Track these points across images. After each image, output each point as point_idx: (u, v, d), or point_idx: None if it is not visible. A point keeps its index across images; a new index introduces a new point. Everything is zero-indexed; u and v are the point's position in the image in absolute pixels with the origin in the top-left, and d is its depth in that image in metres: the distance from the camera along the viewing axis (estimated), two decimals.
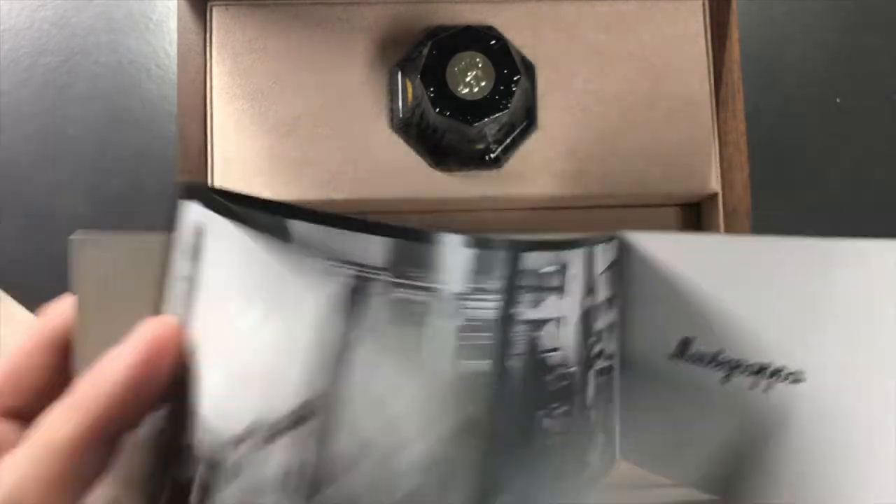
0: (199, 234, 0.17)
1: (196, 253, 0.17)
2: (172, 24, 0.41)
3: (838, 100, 0.43)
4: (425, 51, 0.30)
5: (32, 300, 0.39)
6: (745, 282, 0.23)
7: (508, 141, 0.33)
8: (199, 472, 0.17)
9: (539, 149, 0.33)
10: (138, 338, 0.17)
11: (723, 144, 0.34)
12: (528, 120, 0.33)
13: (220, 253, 0.16)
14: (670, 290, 0.24)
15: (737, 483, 0.23)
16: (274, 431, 0.16)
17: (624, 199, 0.34)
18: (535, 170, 0.33)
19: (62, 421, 0.16)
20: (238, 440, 0.16)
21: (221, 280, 0.17)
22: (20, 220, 0.40)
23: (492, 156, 0.32)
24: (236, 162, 0.32)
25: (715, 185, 0.33)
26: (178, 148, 0.32)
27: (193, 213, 0.17)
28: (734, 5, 0.34)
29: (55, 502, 0.16)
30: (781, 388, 0.22)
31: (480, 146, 0.32)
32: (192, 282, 0.17)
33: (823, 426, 0.21)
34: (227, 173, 0.32)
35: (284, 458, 0.16)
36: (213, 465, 0.17)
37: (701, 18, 0.34)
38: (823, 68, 0.43)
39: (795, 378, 0.22)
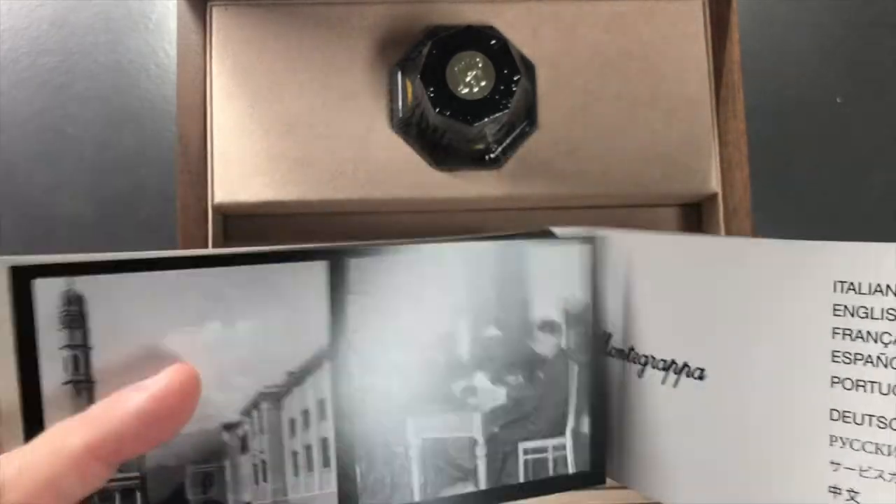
0: (70, 303, 0.18)
1: (74, 321, 0.18)
2: (172, 24, 0.41)
3: (838, 100, 0.43)
4: (425, 51, 0.30)
5: None
6: (654, 279, 0.23)
7: (508, 141, 0.33)
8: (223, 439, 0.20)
9: (539, 149, 0.33)
10: (164, 377, 0.18)
11: (723, 144, 0.34)
12: (528, 120, 0.33)
13: (123, 305, 0.18)
14: (600, 284, 0.24)
15: (647, 474, 0.24)
16: (284, 389, 0.20)
17: (624, 199, 0.34)
18: (535, 170, 0.33)
19: (71, 432, 0.17)
20: (252, 407, 0.20)
21: (126, 327, 0.19)
22: (19, 219, 0.40)
23: (492, 156, 0.32)
24: (236, 162, 0.32)
25: (715, 185, 0.33)
26: (178, 148, 0.31)
27: (56, 286, 0.18)
28: (734, 5, 0.34)
29: (42, 500, 0.16)
30: (688, 383, 0.22)
31: (480, 146, 0.32)
32: (81, 348, 0.18)
33: (725, 422, 0.21)
34: (226, 173, 0.32)
35: (301, 403, 0.20)
36: (233, 428, 0.20)
37: (701, 18, 0.34)
38: (823, 68, 0.43)
39: (699, 374, 0.22)
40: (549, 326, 0.23)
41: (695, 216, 0.35)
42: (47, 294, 0.18)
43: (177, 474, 0.19)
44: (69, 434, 0.17)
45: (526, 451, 0.23)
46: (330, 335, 0.20)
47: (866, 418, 0.18)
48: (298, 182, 0.32)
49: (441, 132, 0.31)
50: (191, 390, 0.18)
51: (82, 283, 0.18)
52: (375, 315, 0.21)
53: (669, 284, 0.23)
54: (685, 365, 0.22)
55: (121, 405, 0.17)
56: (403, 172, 0.32)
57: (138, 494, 0.19)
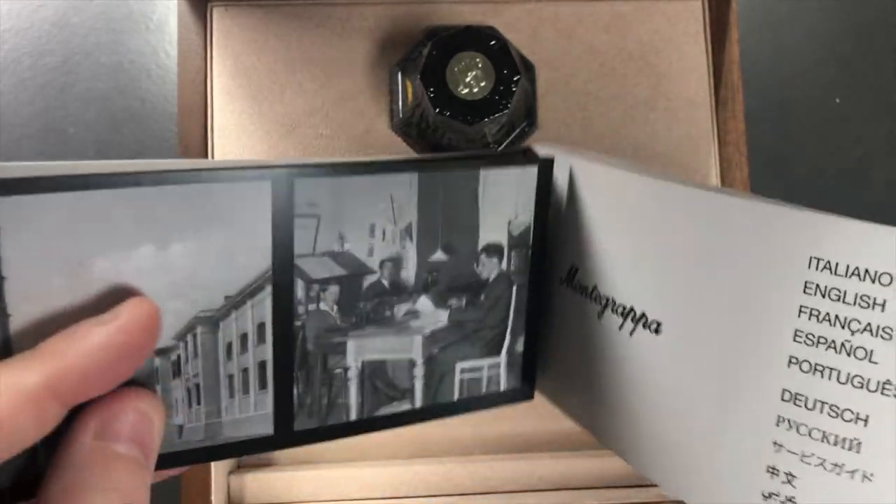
0: None
1: None
2: (172, 24, 0.41)
3: (838, 100, 0.43)
4: (425, 51, 0.30)
5: None
6: (628, 221, 0.22)
7: (508, 141, 0.33)
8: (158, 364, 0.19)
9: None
10: (124, 309, 0.17)
11: (722, 144, 0.34)
12: (528, 120, 0.33)
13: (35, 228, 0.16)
14: (573, 215, 0.24)
15: (603, 421, 0.23)
16: (221, 313, 0.19)
17: None
18: None
19: (27, 367, 0.15)
20: (186, 331, 0.19)
21: (47, 254, 0.17)
22: None
23: None
24: None
25: (715, 185, 0.33)
26: (179, 148, 0.32)
27: None
28: (734, 5, 0.34)
29: None
30: (644, 334, 0.22)
31: (480, 146, 0.32)
32: None
33: (674, 382, 0.21)
34: None
35: (240, 327, 0.19)
36: (166, 353, 0.19)
37: (701, 18, 0.34)
38: (823, 68, 0.44)
39: (656, 328, 0.21)
40: (493, 249, 0.23)
41: None
42: None
43: None
44: (24, 370, 0.15)
45: (462, 371, 0.24)
46: (273, 258, 0.19)
47: (818, 404, 0.18)
48: None
49: (441, 132, 0.31)
50: (153, 323, 0.17)
51: None
52: (321, 238, 0.20)
53: (637, 228, 0.22)
54: (643, 315, 0.21)
55: (82, 339, 0.16)
56: None
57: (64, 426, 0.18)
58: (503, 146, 0.33)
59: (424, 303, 0.22)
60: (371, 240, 0.21)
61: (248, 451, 0.21)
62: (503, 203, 0.23)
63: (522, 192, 0.23)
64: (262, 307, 0.20)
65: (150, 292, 0.18)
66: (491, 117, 0.29)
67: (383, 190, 0.21)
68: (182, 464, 0.20)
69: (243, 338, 0.20)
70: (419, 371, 0.23)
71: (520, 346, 0.24)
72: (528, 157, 0.24)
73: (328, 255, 0.20)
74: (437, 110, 0.29)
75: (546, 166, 0.23)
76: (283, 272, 0.20)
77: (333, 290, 0.21)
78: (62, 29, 0.41)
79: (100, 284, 0.17)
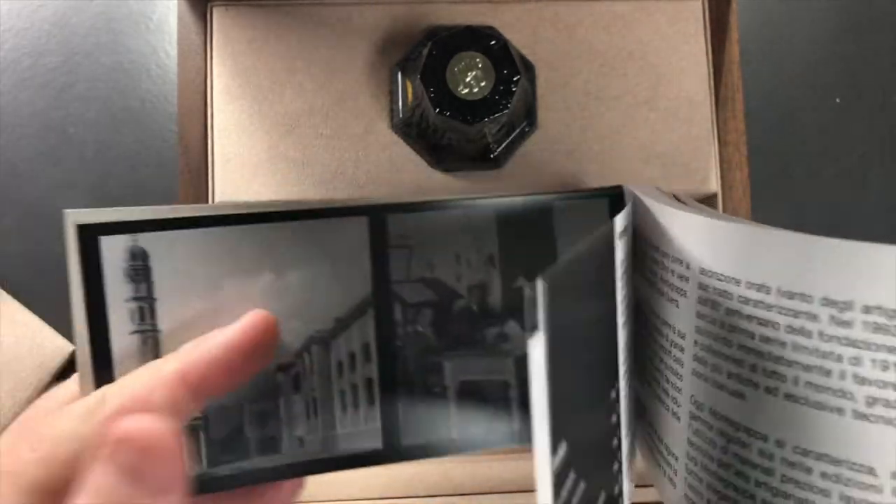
0: (135, 258, 0.20)
1: (139, 275, 0.20)
2: (172, 24, 0.41)
3: (838, 100, 0.43)
4: (425, 51, 0.30)
5: (32, 300, 0.39)
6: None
7: (508, 141, 0.33)
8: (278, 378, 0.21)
9: (539, 149, 0.33)
10: (245, 318, 0.20)
11: (722, 144, 0.34)
12: (528, 120, 0.33)
13: (179, 261, 0.20)
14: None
15: None
16: (332, 334, 0.22)
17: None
18: (535, 170, 0.33)
19: (167, 360, 0.19)
20: (303, 350, 0.21)
21: (187, 279, 0.20)
22: (21, 219, 0.40)
23: (492, 156, 0.32)
24: (236, 162, 0.32)
25: (715, 185, 0.33)
26: (179, 148, 0.32)
27: (121, 243, 0.20)
28: (734, 5, 0.34)
29: (135, 410, 0.17)
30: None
31: (480, 146, 0.32)
32: (147, 300, 0.20)
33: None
34: (227, 173, 0.32)
35: (347, 346, 0.22)
36: (287, 368, 0.21)
37: (701, 18, 0.34)
38: (823, 68, 0.43)
39: None
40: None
41: None
42: (113, 249, 0.19)
43: (236, 413, 0.21)
44: (165, 362, 0.19)
45: None
46: (373, 285, 0.22)
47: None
48: (298, 182, 0.32)
49: (441, 132, 0.31)
50: (269, 329, 0.20)
51: (145, 239, 0.20)
52: (414, 266, 0.22)
53: None
54: None
55: (209, 340, 0.19)
56: (403, 172, 0.32)
57: (202, 433, 0.21)
58: (503, 146, 0.33)
59: (513, 326, 0.23)
60: (458, 267, 0.23)
61: (361, 465, 0.22)
62: (577, 233, 0.24)
63: (595, 222, 0.24)
64: (366, 328, 0.22)
65: (272, 313, 0.21)
66: (491, 117, 0.29)
67: (465, 223, 0.23)
68: (303, 473, 0.22)
69: (352, 356, 0.22)
70: (514, 393, 0.23)
71: None
72: (602, 189, 0.24)
73: (421, 281, 0.22)
74: (437, 110, 0.29)
75: (616, 197, 0.24)
76: (382, 297, 0.22)
77: (427, 313, 0.22)
78: (62, 29, 0.41)
79: (229, 305, 0.20)
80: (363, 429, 0.22)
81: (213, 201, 0.32)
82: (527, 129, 0.33)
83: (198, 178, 0.32)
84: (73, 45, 0.41)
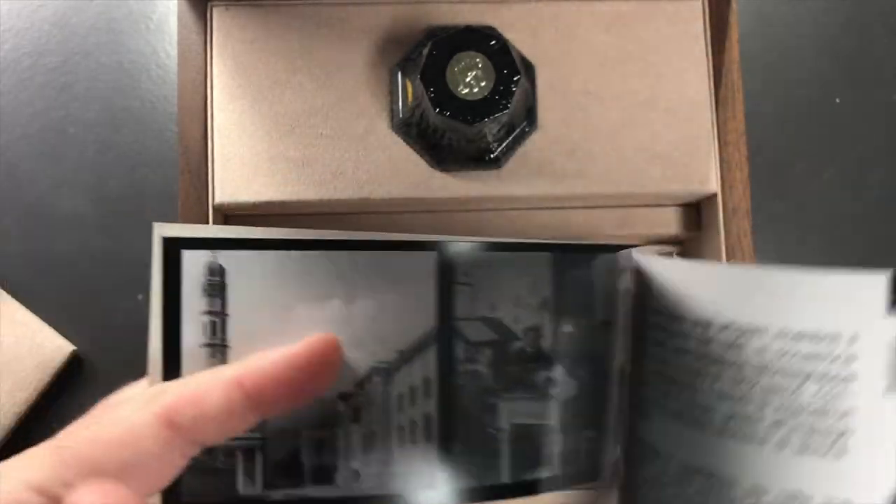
0: (213, 273, 0.20)
1: (215, 290, 0.20)
2: (172, 24, 0.41)
3: (838, 100, 0.43)
4: (425, 51, 0.30)
5: (32, 300, 0.39)
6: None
7: (508, 141, 0.33)
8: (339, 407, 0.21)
9: (539, 149, 0.33)
10: (309, 338, 0.20)
11: (722, 144, 0.34)
12: (528, 120, 0.33)
13: (256, 279, 0.21)
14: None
15: None
16: (394, 366, 0.22)
17: (624, 200, 0.34)
18: (535, 170, 0.33)
19: (229, 367, 0.20)
20: (365, 380, 0.21)
21: (260, 298, 0.21)
22: (21, 219, 0.40)
23: (492, 156, 0.32)
24: (236, 162, 0.32)
25: (715, 185, 0.33)
26: (179, 148, 0.32)
27: (202, 258, 0.20)
28: (734, 5, 0.34)
29: (189, 413, 0.18)
30: None
31: (480, 146, 0.32)
32: (220, 315, 0.20)
33: None
34: (227, 173, 0.32)
35: (408, 380, 0.22)
36: (347, 398, 0.21)
37: (701, 18, 0.34)
38: (823, 68, 0.44)
39: None
40: (604, 327, 0.24)
41: (694, 216, 0.36)
42: (194, 263, 0.20)
43: (294, 438, 0.21)
44: (227, 367, 0.20)
45: (589, 440, 0.24)
46: (437, 320, 0.22)
47: None
48: (298, 182, 0.32)
49: (441, 132, 0.31)
50: (334, 351, 0.20)
51: (224, 257, 0.20)
52: (476, 304, 0.22)
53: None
54: None
55: (273, 353, 0.20)
56: (403, 172, 0.32)
57: (258, 454, 0.21)
58: (503, 146, 0.33)
59: (560, 371, 0.23)
60: (516, 309, 0.23)
61: None
62: (611, 287, 0.24)
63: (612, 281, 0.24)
64: (428, 363, 0.22)
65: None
66: (491, 117, 0.29)
67: (525, 266, 0.23)
68: None
69: (412, 390, 0.22)
70: (557, 437, 0.23)
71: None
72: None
73: (482, 320, 0.22)
74: (438, 110, 0.29)
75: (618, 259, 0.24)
76: (445, 332, 0.22)
77: (487, 352, 0.22)
78: (62, 29, 0.41)
79: (297, 328, 0.21)
80: (418, 468, 0.22)
81: (213, 201, 0.32)
82: (527, 129, 0.33)
83: (198, 178, 0.32)
84: (73, 45, 0.41)
